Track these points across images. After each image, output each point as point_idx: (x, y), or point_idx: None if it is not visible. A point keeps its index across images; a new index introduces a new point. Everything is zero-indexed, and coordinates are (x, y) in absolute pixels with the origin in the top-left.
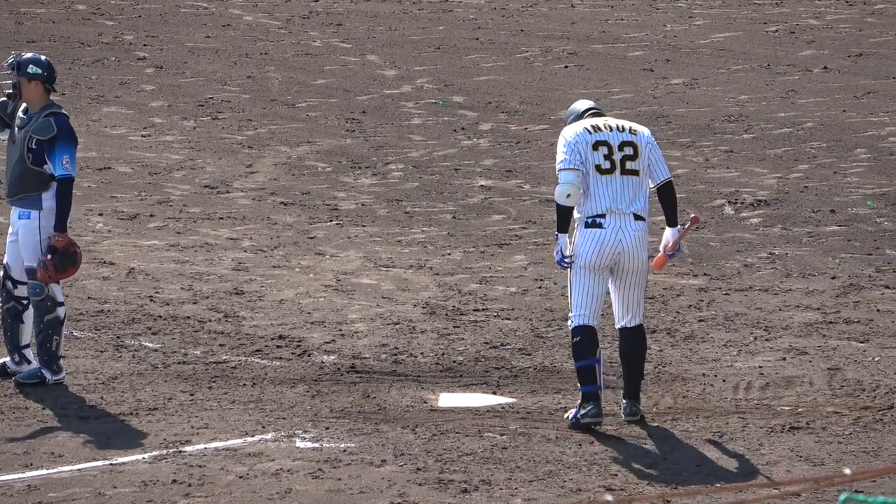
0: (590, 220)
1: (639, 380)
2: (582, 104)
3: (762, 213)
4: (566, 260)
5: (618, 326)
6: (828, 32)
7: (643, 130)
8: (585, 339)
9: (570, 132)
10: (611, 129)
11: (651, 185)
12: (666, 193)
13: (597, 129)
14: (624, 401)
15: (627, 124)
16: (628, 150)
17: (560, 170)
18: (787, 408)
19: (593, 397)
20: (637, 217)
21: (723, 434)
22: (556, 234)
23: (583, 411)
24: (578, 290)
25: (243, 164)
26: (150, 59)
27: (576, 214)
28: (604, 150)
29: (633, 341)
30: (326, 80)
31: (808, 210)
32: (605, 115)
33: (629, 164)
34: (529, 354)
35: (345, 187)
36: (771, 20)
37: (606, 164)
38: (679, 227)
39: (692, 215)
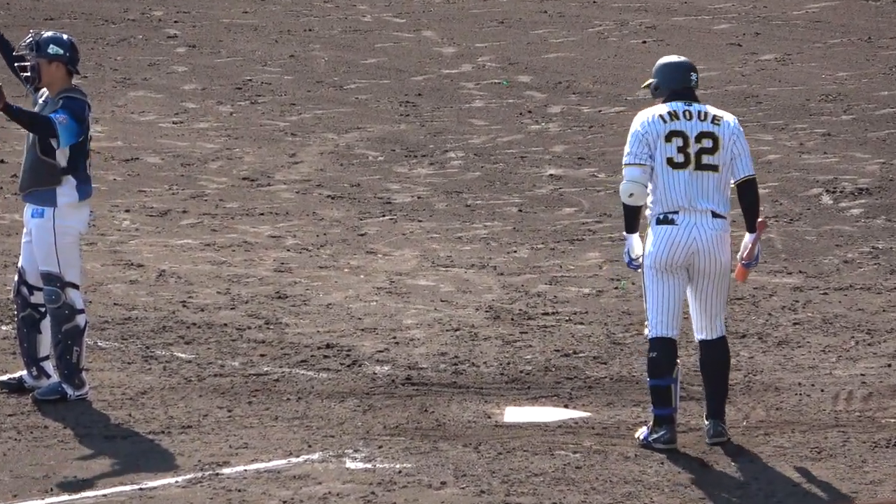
0: (661, 217)
1: (723, 398)
2: (674, 71)
3: (864, 202)
4: (635, 262)
5: (697, 339)
6: None
7: (729, 119)
8: (662, 356)
9: (642, 119)
10: (689, 117)
11: (731, 182)
12: (746, 192)
13: (674, 116)
14: (707, 421)
15: (712, 112)
16: (706, 143)
17: (624, 164)
18: (892, 420)
19: (667, 421)
20: (715, 215)
21: (821, 450)
22: (624, 234)
23: (654, 436)
24: (653, 294)
25: (286, 154)
26: (181, 37)
27: (647, 211)
28: (678, 141)
29: (715, 356)
30: (378, 60)
31: None
32: (695, 97)
33: (706, 159)
34: (605, 363)
35: (398, 178)
36: None
37: (679, 158)
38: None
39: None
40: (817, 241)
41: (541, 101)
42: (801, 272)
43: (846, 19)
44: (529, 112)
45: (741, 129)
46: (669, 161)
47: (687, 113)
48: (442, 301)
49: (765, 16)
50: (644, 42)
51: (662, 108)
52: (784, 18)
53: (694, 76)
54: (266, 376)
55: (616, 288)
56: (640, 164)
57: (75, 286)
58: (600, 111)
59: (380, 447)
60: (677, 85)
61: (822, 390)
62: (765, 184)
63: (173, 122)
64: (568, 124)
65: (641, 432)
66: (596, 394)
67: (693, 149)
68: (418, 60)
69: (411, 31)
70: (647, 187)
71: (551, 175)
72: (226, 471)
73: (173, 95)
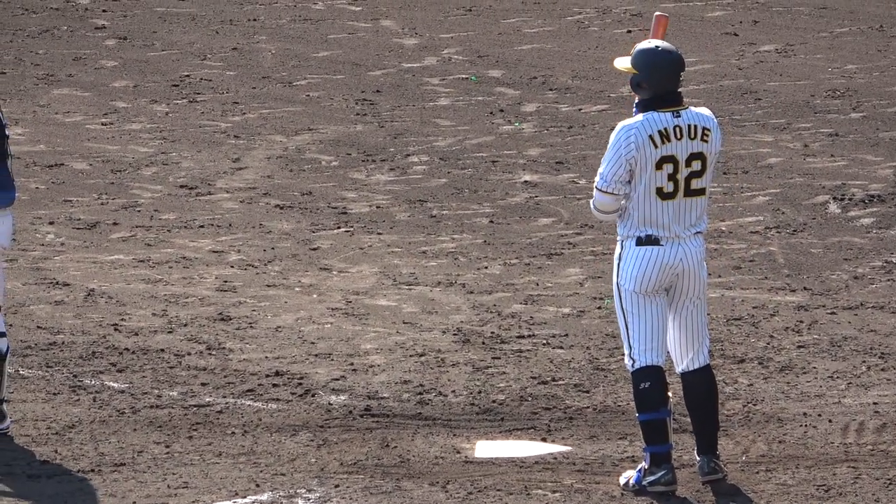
0: (644, 237)
1: (715, 432)
2: (664, 70)
3: (876, 211)
4: None
5: (679, 371)
6: None
7: (714, 132)
8: (655, 386)
9: (629, 138)
10: (680, 136)
11: None
12: None
13: (665, 137)
14: (699, 458)
15: (701, 124)
16: (696, 165)
17: (596, 186)
18: None
19: (665, 459)
20: (697, 233)
21: (829, 488)
22: None
23: (651, 478)
24: (637, 321)
25: (229, 159)
26: (110, 28)
27: (620, 230)
28: (668, 168)
29: (701, 388)
30: (331, 52)
31: None
32: (681, 98)
33: (695, 184)
34: (587, 391)
35: (355, 186)
36: None
37: (670, 187)
38: None
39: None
40: (824, 254)
41: (514, 99)
42: (805, 289)
43: (855, 5)
44: (501, 111)
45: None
46: (659, 191)
47: (678, 130)
48: (405, 323)
49: (764, 2)
50: (629, 31)
51: (651, 125)
52: (785, 5)
53: (682, 75)
54: (208, 408)
55: (599, 308)
56: (611, 193)
57: None
58: (580, 110)
59: (336, 486)
60: (665, 88)
61: (830, 421)
62: (765, 190)
63: (102, 124)
64: (544, 124)
65: (629, 476)
66: (577, 426)
67: (683, 174)
68: (376, 53)
69: (368, 20)
70: (616, 214)
71: (526, 181)
72: None
73: (102, 93)
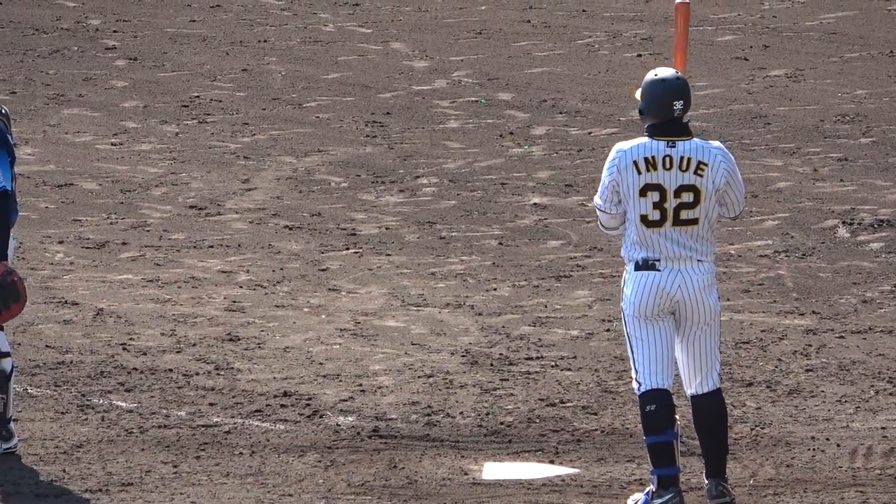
0: (641, 262)
1: (723, 455)
2: (658, 98)
3: (885, 235)
4: None
5: (688, 394)
6: None
7: (713, 167)
8: (660, 408)
9: (616, 161)
10: (669, 166)
11: (726, 215)
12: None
13: (651, 165)
14: (707, 481)
15: (697, 157)
16: (686, 197)
17: (595, 204)
18: None
19: (672, 482)
20: (700, 261)
21: None
22: None
23: (659, 501)
24: (640, 343)
25: (238, 179)
26: (121, 48)
27: (622, 252)
28: (653, 196)
29: (710, 411)
30: (341, 74)
31: None
32: (682, 129)
33: (685, 214)
34: (595, 414)
35: (364, 207)
36: None
37: (655, 216)
38: None
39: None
40: (833, 278)
41: (523, 122)
42: (814, 313)
43: (865, 31)
44: (511, 133)
45: (733, 169)
46: (643, 219)
47: (667, 160)
48: (413, 344)
49: (774, 27)
50: (639, 55)
51: (639, 152)
52: (795, 30)
53: (679, 104)
54: (216, 428)
55: (607, 330)
56: (608, 213)
57: None
58: (590, 133)
59: None
60: (661, 116)
61: (839, 445)
62: (774, 214)
63: (112, 144)
64: (554, 147)
65: (637, 499)
66: (585, 448)
67: (671, 204)
68: (386, 76)
69: (378, 42)
70: (621, 228)
71: (535, 204)
72: None
73: (112, 114)
